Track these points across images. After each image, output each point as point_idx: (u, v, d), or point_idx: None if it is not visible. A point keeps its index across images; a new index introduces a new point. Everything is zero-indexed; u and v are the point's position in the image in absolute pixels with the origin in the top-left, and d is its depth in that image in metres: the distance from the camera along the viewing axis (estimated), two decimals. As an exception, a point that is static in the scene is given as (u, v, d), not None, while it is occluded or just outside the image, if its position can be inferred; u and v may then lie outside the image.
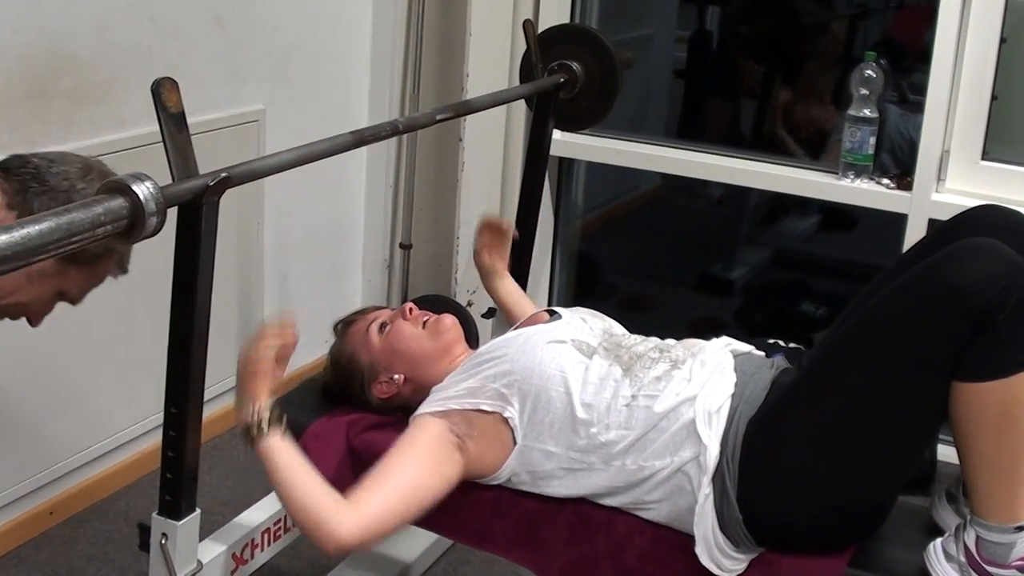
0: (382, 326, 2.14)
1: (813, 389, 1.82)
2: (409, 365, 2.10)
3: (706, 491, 1.80)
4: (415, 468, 1.86)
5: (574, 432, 1.89)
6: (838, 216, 4.05)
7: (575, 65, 2.64)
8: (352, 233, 3.60)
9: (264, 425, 1.79)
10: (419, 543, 2.59)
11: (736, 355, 2.00)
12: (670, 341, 2.06)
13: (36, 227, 1.31)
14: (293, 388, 2.44)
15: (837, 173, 3.02)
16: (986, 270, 1.65)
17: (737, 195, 4.03)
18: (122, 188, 1.44)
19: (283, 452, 1.80)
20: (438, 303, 2.61)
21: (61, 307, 2.47)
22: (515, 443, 1.92)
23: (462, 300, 3.43)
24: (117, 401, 2.80)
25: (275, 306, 3.30)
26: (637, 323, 2.20)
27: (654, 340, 2.06)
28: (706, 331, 3.57)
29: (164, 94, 1.57)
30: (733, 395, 1.87)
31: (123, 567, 2.55)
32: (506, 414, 1.92)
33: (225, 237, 2.94)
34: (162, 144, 1.57)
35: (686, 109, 4.32)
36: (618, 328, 2.15)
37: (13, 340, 2.49)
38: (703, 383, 1.88)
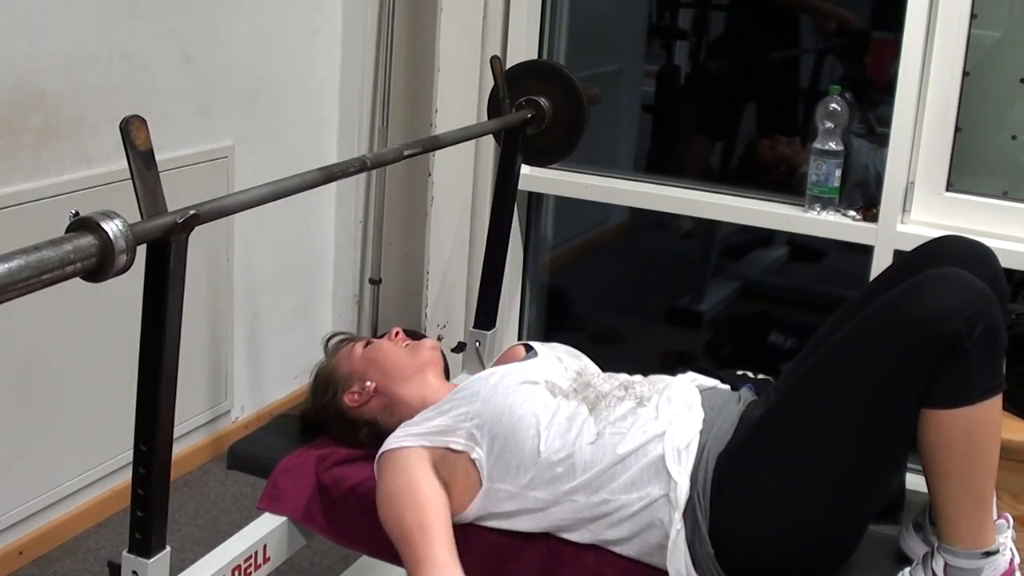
0: (367, 344, 2.21)
1: (781, 422, 1.83)
2: (382, 375, 2.13)
3: (677, 527, 1.80)
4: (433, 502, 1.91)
5: (539, 474, 1.89)
6: (806, 248, 4.08)
7: (543, 101, 2.65)
8: (322, 269, 3.60)
9: None
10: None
11: (702, 390, 2.01)
12: (636, 377, 2.07)
13: (5, 266, 1.31)
14: (264, 424, 2.45)
15: (804, 205, 3.05)
16: (953, 300, 1.67)
17: (705, 228, 4.05)
18: (91, 226, 1.44)
19: None
20: (417, 336, 2.63)
21: (28, 345, 2.47)
22: (481, 484, 1.93)
23: (432, 334, 3.44)
24: (86, 439, 2.78)
25: (244, 342, 3.30)
26: (607, 355, 2.21)
27: (621, 377, 2.08)
28: (675, 363, 3.62)
29: (132, 132, 1.57)
30: (701, 431, 1.88)
31: (92, 607, 2.54)
32: (473, 455, 1.93)
33: (195, 273, 2.93)
34: (131, 181, 1.56)
35: (655, 144, 4.35)
36: (593, 368, 2.16)
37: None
38: (671, 420, 1.89)
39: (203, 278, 3.06)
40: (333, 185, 3.49)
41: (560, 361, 2.12)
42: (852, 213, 3.00)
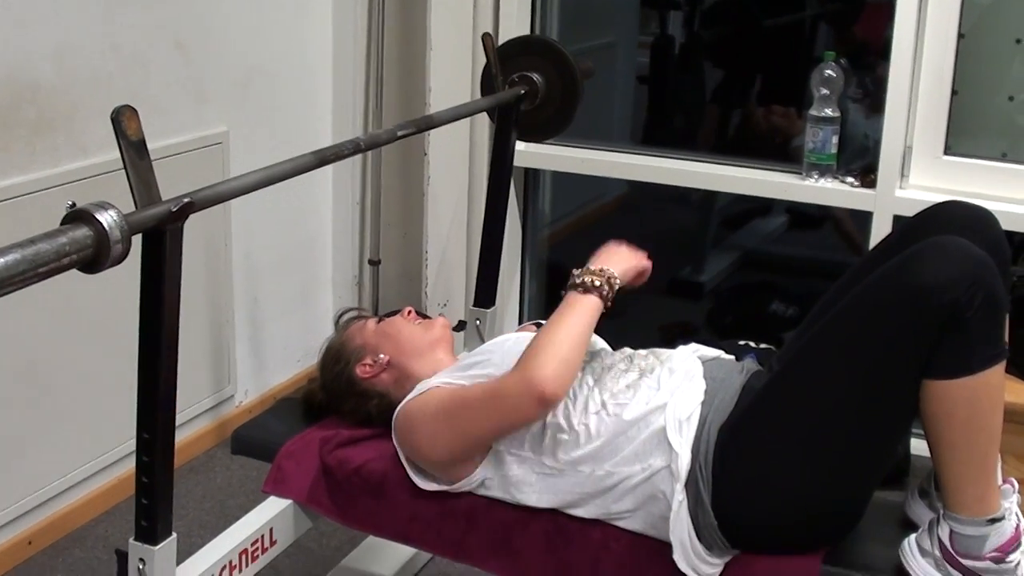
0: (379, 320, 2.24)
1: (783, 392, 1.83)
2: (395, 349, 2.15)
3: (679, 498, 1.81)
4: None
5: (545, 439, 1.91)
6: (805, 215, 4.08)
7: (536, 76, 2.65)
8: (320, 251, 3.60)
9: (600, 283, 1.92)
10: (397, 557, 2.60)
11: (705, 361, 2.02)
12: (640, 351, 2.07)
13: (1, 260, 1.31)
14: (267, 408, 2.45)
15: (801, 173, 3.04)
16: (953, 268, 1.67)
17: (703, 198, 4.05)
18: (86, 217, 1.44)
19: (587, 314, 1.92)
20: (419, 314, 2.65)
21: (32, 335, 2.47)
22: (489, 447, 1.94)
23: (432, 313, 3.42)
24: (93, 427, 2.79)
25: (246, 328, 3.30)
26: (609, 329, 2.20)
27: (626, 351, 2.09)
28: (677, 335, 3.62)
29: (124, 122, 1.57)
30: (703, 402, 1.89)
31: (102, 595, 2.55)
32: None
33: (194, 260, 2.97)
34: (124, 171, 1.57)
35: (650, 115, 4.34)
36: (600, 343, 2.16)
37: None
38: (672, 391, 1.90)
39: (202, 264, 3.07)
40: (329, 168, 3.49)
41: None
42: (850, 180, 2.99)
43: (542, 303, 3.83)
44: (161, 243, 1.61)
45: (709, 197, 3.97)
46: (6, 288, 1.34)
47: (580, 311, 1.92)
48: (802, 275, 4.08)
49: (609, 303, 1.94)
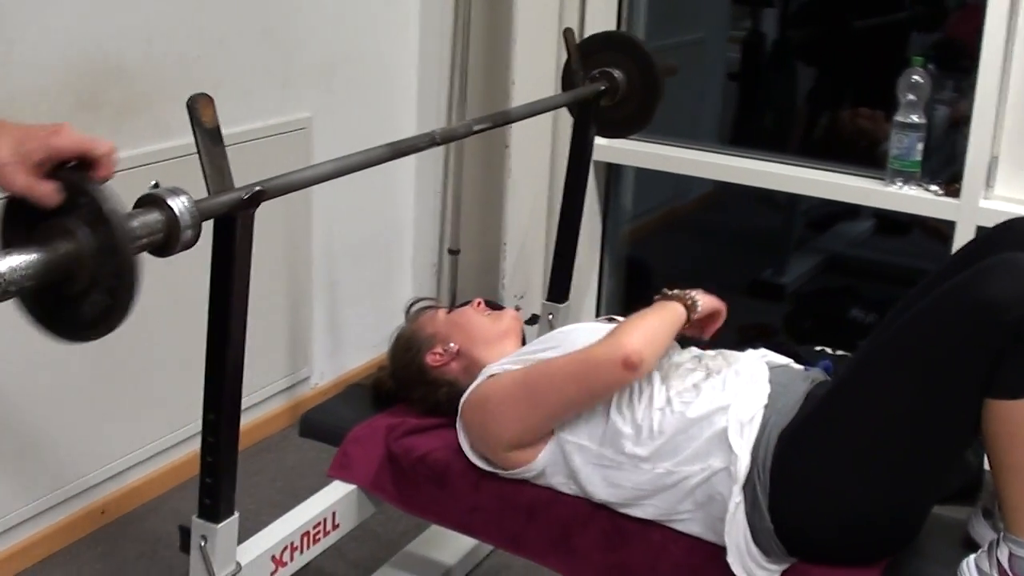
0: (450, 310, 2.29)
1: (845, 401, 1.81)
2: (465, 338, 2.18)
3: (736, 500, 1.81)
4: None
5: (607, 431, 1.92)
6: (893, 221, 4.02)
7: (617, 73, 2.64)
8: (401, 239, 3.63)
9: (685, 298, 2.03)
10: (460, 546, 2.62)
11: (772, 367, 2.01)
12: (709, 351, 2.07)
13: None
14: (336, 394, 2.49)
15: (885, 179, 3.00)
16: (1019, 286, 1.64)
17: (788, 199, 4.01)
18: (158, 202, 1.47)
19: (672, 314, 1.99)
20: (498, 308, 2.66)
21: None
22: (552, 434, 1.96)
23: (509, 305, 3.46)
24: (170, 402, 2.85)
25: (324, 312, 3.35)
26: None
27: (694, 350, 2.08)
28: (754, 337, 3.59)
29: (199, 109, 1.60)
30: (766, 406, 1.88)
31: (171, 566, 2.60)
32: None
33: (273, 244, 3.03)
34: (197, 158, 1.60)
35: (738, 114, 4.31)
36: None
37: (60, 347, 2.56)
38: (736, 393, 1.89)
39: (283, 248, 3.11)
40: (412, 157, 3.52)
41: None
42: (934, 188, 2.95)
43: (620, 299, 3.83)
44: (232, 230, 1.64)
45: (793, 198, 3.93)
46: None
47: (666, 312, 2.00)
48: (886, 281, 4.02)
49: (690, 318, 2.02)
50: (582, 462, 1.94)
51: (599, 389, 1.90)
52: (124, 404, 2.77)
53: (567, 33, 2.62)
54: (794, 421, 1.85)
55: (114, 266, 1.34)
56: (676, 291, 2.04)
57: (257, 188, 1.64)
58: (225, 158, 1.64)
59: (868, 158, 3.31)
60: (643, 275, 4.11)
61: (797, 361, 2.12)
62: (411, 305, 2.37)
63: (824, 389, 1.90)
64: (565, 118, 3.36)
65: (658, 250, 4.30)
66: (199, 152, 1.60)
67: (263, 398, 3.17)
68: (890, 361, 1.77)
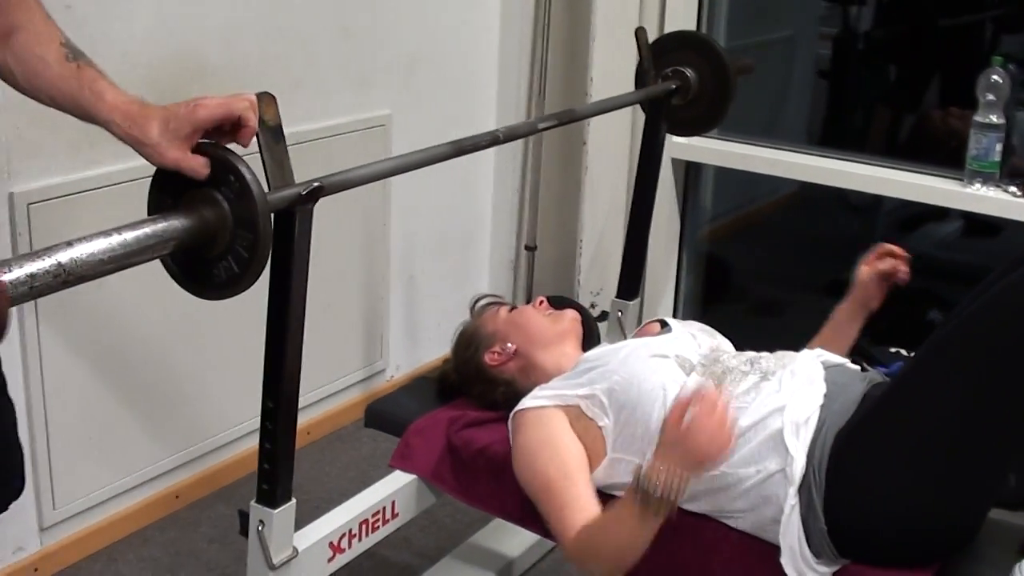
0: (511, 309, 2.30)
1: (903, 401, 1.81)
2: (524, 339, 2.21)
3: (792, 502, 1.80)
4: (575, 453, 1.96)
5: None
6: (981, 222, 3.95)
7: (689, 71, 2.65)
8: (479, 234, 3.67)
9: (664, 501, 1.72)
10: (523, 540, 2.65)
11: (828, 367, 2.00)
12: (764, 353, 2.06)
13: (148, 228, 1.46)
14: (401, 386, 2.54)
15: (963, 180, 2.97)
16: None
17: (871, 200, 3.97)
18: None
19: (644, 535, 1.78)
20: (563, 303, 2.68)
21: (194, 300, 2.60)
22: (606, 454, 1.97)
23: (584, 302, 3.48)
24: (246, 391, 2.90)
25: (400, 305, 3.40)
26: (766, 328, 2.19)
27: (749, 353, 2.08)
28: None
29: (262, 107, 1.65)
30: (822, 406, 1.87)
31: (241, 551, 2.62)
32: (600, 423, 1.97)
33: (351, 237, 3.08)
34: (259, 154, 1.65)
35: (827, 112, 4.26)
36: (726, 345, 2.17)
37: (151, 331, 2.66)
38: (792, 393, 1.89)
39: (360, 242, 3.17)
40: (492, 151, 3.56)
41: (694, 338, 2.13)
42: (1013, 189, 2.90)
43: (698, 297, 3.82)
44: (291, 224, 1.68)
45: (876, 199, 3.89)
46: (136, 260, 1.44)
47: (641, 533, 1.77)
48: (969, 284, 3.94)
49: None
50: None
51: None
52: (202, 392, 2.85)
53: (639, 32, 2.64)
54: (850, 421, 1.84)
55: (251, 236, 1.50)
56: (654, 486, 1.71)
57: (316, 184, 1.68)
58: (286, 154, 1.69)
59: (957, 159, 3.27)
60: (722, 274, 4.10)
61: (870, 363, 2.10)
62: (476, 301, 2.40)
63: (881, 390, 1.90)
64: (642, 116, 3.38)
65: (739, 249, 4.28)
66: (260, 149, 1.65)
67: (338, 389, 3.23)
68: (947, 361, 1.76)
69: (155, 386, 2.74)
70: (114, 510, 2.72)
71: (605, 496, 1.98)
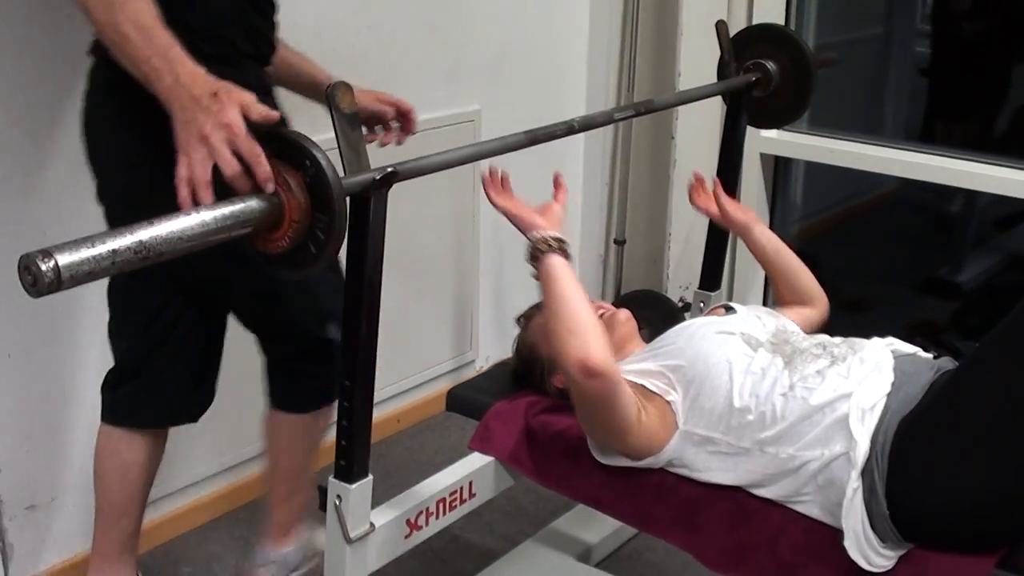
0: None
1: (967, 387, 1.82)
2: None
3: (855, 485, 1.82)
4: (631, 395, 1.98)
5: (732, 419, 1.95)
6: (1085, 220, 3.89)
7: (770, 64, 2.67)
8: (568, 228, 3.69)
9: (553, 244, 1.99)
10: (604, 528, 2.69)
11: (898, 355, 2.00)
12: (835, 339, 2.08)
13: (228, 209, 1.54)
14: (483, 372, 2.60)
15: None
16: None
17: (967, 195, 3.93)
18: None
19: (564, 270, 1.96)
20: (648, 298, 2.71)
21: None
22: (677, 427, 2.00)
23: (674, 296, 3.50)
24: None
25: (490, 296, 3.46)
26: (855, 323, 2.21)
27: (820, 337, 2.10)
28: (920, 333, 3.54)
29: (338, 96, 1.72)
30: (889, 394, 1.88)
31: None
32: (669, 398, 2.00)
33: (441, 229, 3.14)
34: (336, 140, 1.72)
35: (926, 109, 4.22)
36: (792, 326, 2.18)
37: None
38: (860, 380, 1.90)
39: (450, 234, 3.24)
40: (581, 147, 3.61)
41: (759, 319, 2.16)
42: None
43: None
44: (366, 208, 1.75)
45: (972, 195, 3.85)
46: (227, 236, 1.55)
47: (558, 277, 1.95)
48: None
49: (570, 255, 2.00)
50: (709, 452, 1.98)
51: (594, 407, 1.95)
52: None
53: (719, 25, 2.66)
54: (916, 408, 1.85)
55: (326, 219, 1.58)
56: (541, 243, 2.01)
57: (389, 169, 1.74)
58: (362, 141, 1.75)
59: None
60: (816, 269, 4.09)
61: (956, 359, 2.10)
62: (519, 319, 2.45)
63: (947, 377, 1.90)
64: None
65: (836, 246, 4.27)
66: (336, 135, 1.72)
67: (428, 378, 3.31)
68: (1008, 348, 1.77)
69: (245, 372, 2.82)
70: (209, 490, 2.83)
71: (670, 470, 2.03)
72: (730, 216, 2.48)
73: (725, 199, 2.50)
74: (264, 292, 2.12)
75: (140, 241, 1.42)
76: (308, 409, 2.36)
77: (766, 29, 2.83)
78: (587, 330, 1.88)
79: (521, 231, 2.03)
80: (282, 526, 2.45)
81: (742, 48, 2.70)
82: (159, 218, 1.46)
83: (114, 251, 1.38)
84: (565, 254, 1.98)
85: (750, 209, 2.52)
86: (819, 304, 2.43)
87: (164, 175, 1.64)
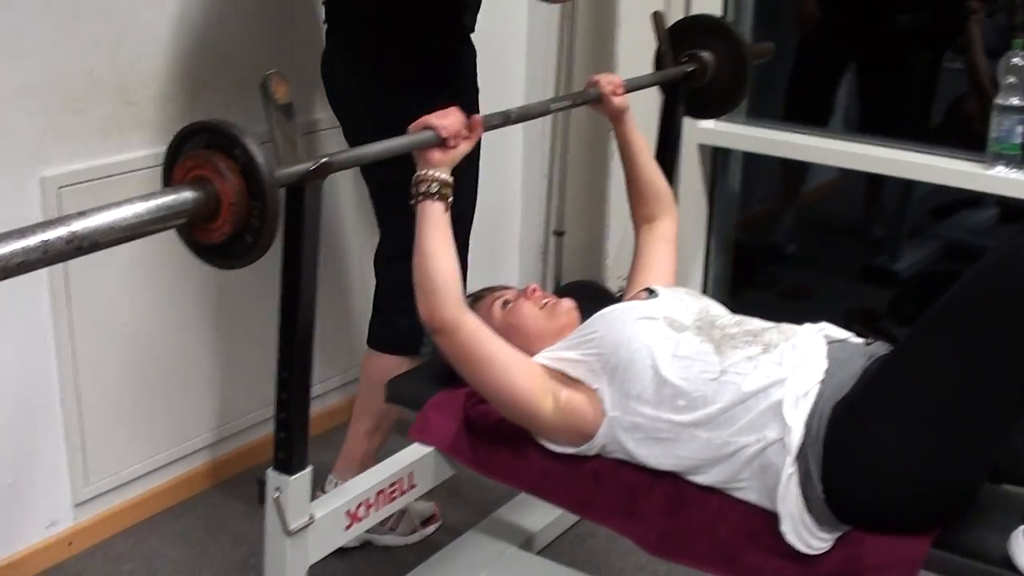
0: (504, 303, 2.26)
1: (897, 372, 1.85)
2: (523, 340, 2.18)
3: (790, 471, 1.84)
4: (510, 352, 2.03)
5: (661, 403, 1.95)
6: (1018, 209, 3.94)
7: (706, 54, 2.69)
8: (509, 220, 3.72)
9: (441, 189, 1.96)
10: (546, 514, 2.70)
11: (831, 342, 2.02)
12: (769, 324, 2.09)
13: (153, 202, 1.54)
14: (422, 363, 2.59)
15: (986, 163, 2.98)
16: None
17: (903, 185, 3.99)
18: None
19: (438, 221, 1.97)
20: (587, 288, 2.70)
21: (215, 284, 2.67)
22: (605, 414, 2.01)
23: (612, 286, 3.51)
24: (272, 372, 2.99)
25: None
26: (794, 312, 2.22)
27: (753, 323, 2.10)
28: (858, 321, 3.58)
29: (272, 86, 1.71)
30: (822, 380, 1.90)
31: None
32: (594, 385, 2.01)
33: (371, 223, 3.12)
34: (270, 130, 1.71)
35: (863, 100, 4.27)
36: (717, 309, 2.19)
37: (184, 309, 2.73)
38: (794, 366, 1.91)
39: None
40: (520, 140, 3.61)
41: (681, 300, 2.17)
42: (1035, 170, 2.91)
43: (727, 282, 3.85)
44: (301, 199, 1.74)
45: (907, 184, 3.90)
46: (162, 227, 1.55)
47: (427, 231, 1.97)
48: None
49: (449, 200, 1.99)
50: (639, 437, 1.99)
51: (457, 362, 2.02)
52: (234, 372, 2.93)
53: (656, 16, 2.68)
54: (849, 394, 1.87)
55: (260, 207, 1.59)
56: (424, 182, 1.98)
57: (324, 159, 1.74)
58: (297, 132, 1.75)
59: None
60: (756, 259, 4.14)
61: (892, 345, 2.12)
62: (467, 299, 2.41)
63: (879, 363, 1.93)
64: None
65: (778, 235, 4.32)
66: (270, 126, 1.72)
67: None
68: (942, 329, 1.80)
69: (188, 364, 2.82)
70: (147, 487, 2.80)
71: (605, 456, 2.05)
72: (611, 103, 2.48)
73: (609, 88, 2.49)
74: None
75: (73, 232, 1.41)
76: (396, 351, 2.61)
77: (703, 20, 2.84)
78: (435, 288, 1.94)
79: (416, 159, 2.01)
80: (350, 459, 2.68)
81: (681, 39, 2.71)
82: (93, 209, 1.44)
83: (45, 241, 1.37)
84: (446, 202, 1.99)
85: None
86: (671, 212, 2.49)
87: None
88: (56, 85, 2.41)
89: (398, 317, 2.60)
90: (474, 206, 2.69)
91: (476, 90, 2.67)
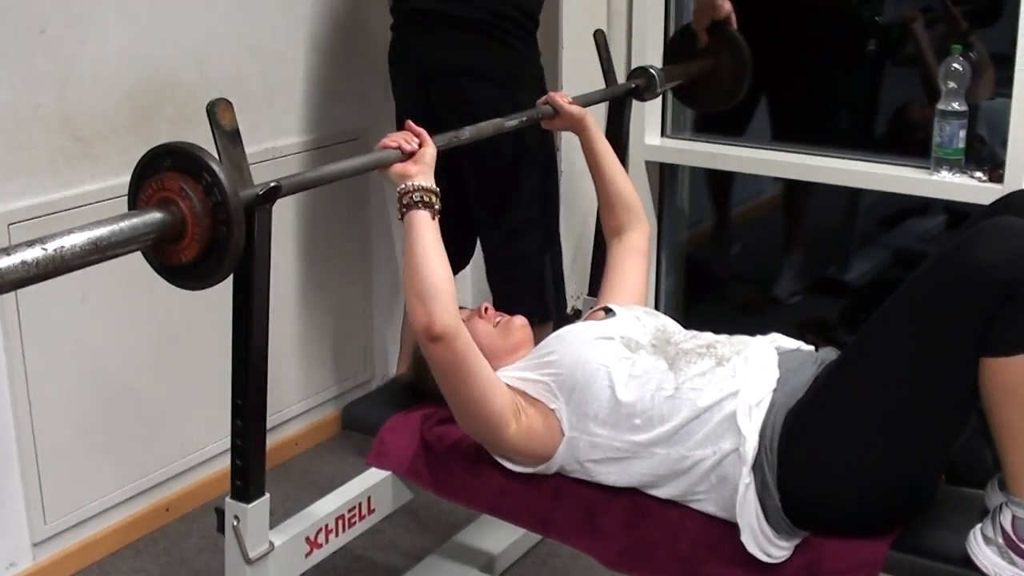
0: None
1: (847, 375, 1.87)
2: None
3: (746, 481, 1.86)
4: (489, 368, 2.00)
5: (618, 423, 1.97)
6: (965, 216, 3.98)
7: (652, 70, 2.72)
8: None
9: (424, 197, 1.94)
10: (507, 535, 2.70)
11: (782, 352, 2.04)
12: (720, 337, 2.11)
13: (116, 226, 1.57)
14: (377, 388, 2.59)
15: (929, 168, 3.02)
16: (1007, 248, 1.69)
17: (850, 195, 4.02)
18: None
19: (426, 228, 1.94)
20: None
21: (176, 313, 2.65)
22: (563, 434, 2.01)
23: (568, 304, 3.51)
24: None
25: (385, 313, 3.45)
26: (748, 325, 2.24)
27: (705, 337, 2.12)
28: (812, 331, 3.60)
29: (219, 114, 1.72)
30: (774, 389, 1.92)
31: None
32: (552, 406, 2.01)
33: (333, 244, 3.14)
34: (218, 156, 1.71)
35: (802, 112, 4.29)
36: (672, 326, 2.21)
37: (139, 345, 2.71)
38: (747, 378, 1.94)
39: (343, 252, 3.24)
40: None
41: (638, 319, 2.18)
42: (979, 175, 2.95)
43: (680, 296, 3.86)
44: (251, 223, 1.74)
45: (855, 194, 3.94)
46: (128, 250, 1.59)
47: (415, 239, 1.94)
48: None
49: (437, 208, 1.98)
50: (598, 457, 1.99)
51: (443, 373, 1.96)
52: (186, 405, 2.91)
53: (598, 35, 2.70)
54: (800, 401, 1.89)
55: (225, 229, 1.63)
56: (411, 193, 1.97)
57: (272, 184, 1.74)
58: (244, 157, 1.75)
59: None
60: (708, 275, 4.16)
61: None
62: None
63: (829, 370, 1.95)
64: (635, 121, 3.41)
65: (727, 250, 4.34)
66: (218, 152, 1.71)
67: (324, 400, 3.29)
68: (888, 331, 1.82)
69: (143, 400, 2.80)
70: (105, 524, 2.77)
71: (565, 475, 2.05)
72: (566, 110, 2.48)
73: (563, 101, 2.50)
74: None
75: (45, 250, 1.45)
76: None
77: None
78: (434, 294, 1.89)
79: (392, 182, 2.00)
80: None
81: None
82: (62, 231, 1.49)
83: (11, 267, 1.40)
84: (432, 209, 1.96)
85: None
86: (641, 224, 2.49)
87: None
88: (2, 122, 2.39)
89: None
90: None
91: None
